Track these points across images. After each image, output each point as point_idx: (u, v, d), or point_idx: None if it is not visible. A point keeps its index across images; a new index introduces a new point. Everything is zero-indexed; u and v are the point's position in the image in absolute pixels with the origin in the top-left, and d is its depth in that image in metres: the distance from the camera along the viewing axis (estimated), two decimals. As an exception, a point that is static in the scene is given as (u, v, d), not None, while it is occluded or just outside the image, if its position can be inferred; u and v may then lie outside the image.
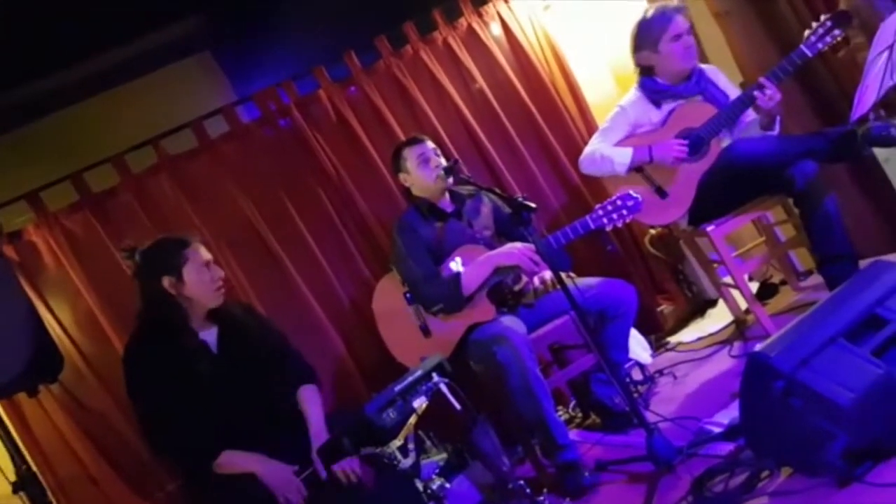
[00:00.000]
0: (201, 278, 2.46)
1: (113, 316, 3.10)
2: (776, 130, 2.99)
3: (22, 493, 2.16)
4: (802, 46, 2.80)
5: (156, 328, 2.44)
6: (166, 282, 2.43)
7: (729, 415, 2.47)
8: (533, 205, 2.46)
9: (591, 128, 3.77)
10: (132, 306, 2.55)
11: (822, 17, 2.78)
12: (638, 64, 3.14)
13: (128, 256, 2.51)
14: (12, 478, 2.18)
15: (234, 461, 2.33)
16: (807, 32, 2.80)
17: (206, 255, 2.51)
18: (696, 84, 3.08)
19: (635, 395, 3.10)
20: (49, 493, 2.30)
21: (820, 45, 2.79)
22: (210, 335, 2.51)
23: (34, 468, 2.64)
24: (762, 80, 2.82)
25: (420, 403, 2.14)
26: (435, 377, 2.19)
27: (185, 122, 3.41)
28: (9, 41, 4.37)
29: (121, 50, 5.82)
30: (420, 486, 2.13)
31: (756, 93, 2.83)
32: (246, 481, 2.29)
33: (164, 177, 3.31)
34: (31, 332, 2.45)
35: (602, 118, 3.54)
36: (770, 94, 2.80)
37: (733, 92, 3.11)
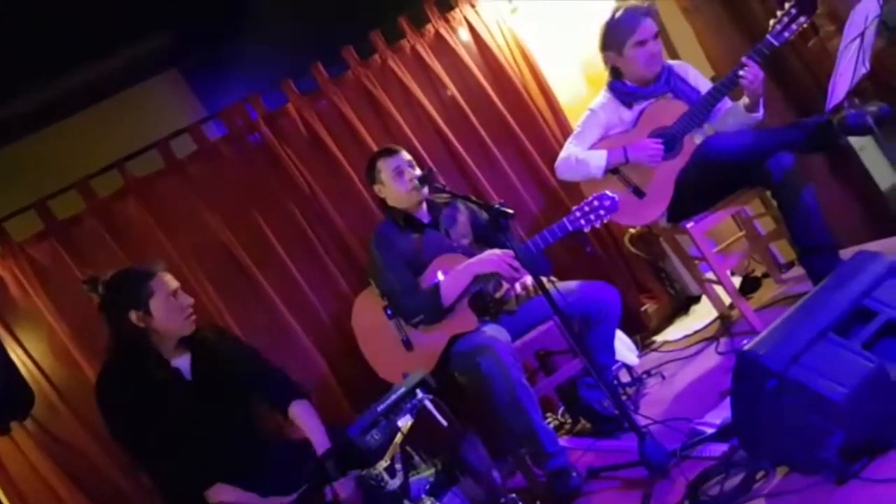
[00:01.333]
0: (169, 309, 2.38)
1: (85, 346, 2.99)
2: (760, 112, 2.96)
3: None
4: (769, 36, 2.78)
5: (126, 362, 2.36)
6: (134, 316, 2.35)
7: (720, 414, 2.43)
8: (510, 211, 2.41)
9: (564, 129, 3.74)
10: (104, 336, 2.46)
11: (787, 5, 2.76)
12: (605, 62, 3.12)
13: (90, 289, 2.41)
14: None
15: (225, 494, 2.25)
16: (772, 21, 2.79)
17: (172, 283, 2.42)
18: (665, 83, 3.06)
19: (624, 397, 3.06)
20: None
21: (786, 34, 2.77)
22: (183, 362, 2.44)
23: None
24: (744, 59, 2.79)
25: (405, 422, 2.09)
26: (419, 394, 2.13)
27: (153, 142, 3.32)
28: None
29: (85, 72, 5.72)
30: (410, 506, 2.07)
31: (740, 72, 2.79)
32: None
33: (132, 200, 3.22)
34: (-1, 369, 2.37)
35: (575, 119, 3.51)
36: (754, 72, 2.77)
37: (704, 85, 3.09)
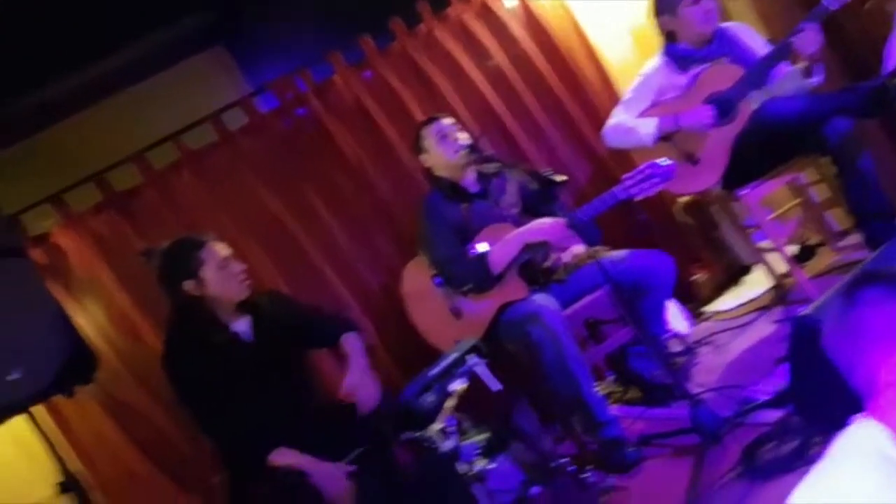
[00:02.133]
0: (221, 276, 2.45)
1: (145, 312, 3.10)
2: (818, 77, 2.88)
3: (66, 495, 2.18)
4: (824, 1, 2.71)
5: (187, 330, 2.45)
6: (188, 285, 2.44)
7: (774, 381, 2.42)
8: (561, 178, 2.41)
9: (613, 96, 3.69)
10: (162, 301, 2.55)
11: None
12: (660, 28, 3.07)
13: (147, 260, 2.51)
14: (56, 480, 2.19)
15: (286, 457, 2.32)
16: None
17: (222, 251, 2.49)
18: (719, 46, 3.00)
19: (675, 367, 3.05)
20: (92, 493, 2.33)
21: None
22: (242, 325, 2.52)
23: (77, 469, 2.68)
24: (802, 23, 2.72)
25: (457, 386, 2.12)
26: (470, 359, 2.16)
27: (206, 115, 3.39)
28: (21, 47, 4.39)
29: (135, 48, 5.85)
30: (462, 468, 2.11)
31: (793, 39, 2.73)
32: (295, 478, 2.27)
33: (186, 172, 3.30)
34: (63, 335, 2.46)
35: (622, 84, 3.46)
36: (812, 37, 2.71)
37: (762, 48, 3.02)
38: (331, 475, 2.28)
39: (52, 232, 3.19)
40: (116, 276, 3.13)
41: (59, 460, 2.22)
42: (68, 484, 2.17)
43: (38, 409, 2.41)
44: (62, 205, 3.19)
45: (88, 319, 3.13)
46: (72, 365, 2.39)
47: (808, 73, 2.87)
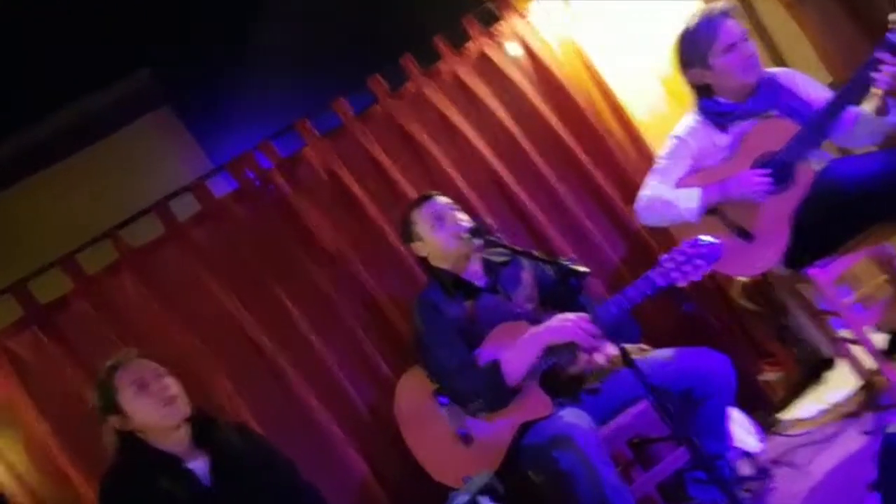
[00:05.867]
0: (140, 403, 2.54)
1: (73, 453, 3.10)
2: (894, 116, 2.94)
3: None
4: (890, 35, 2.80)
5: (129, 471, 2.50)
6: (114, 421, 2.55)
7: (867, 513, 2.42)
8: (584, 269, 2.46)
9: (643, 155, 3.80)
10: (96, 439, 2.60)
11: None
12: (691, 83, 3.17)
13: None
14: None
15: None
16: (892, 16, 2.81)
17: (139, 372, 2.59)
18: (766, 97, 3.08)
19: (747, 495, 3.04)
20: None
21: None
22: (200, 465, 2.56)
23: None
24: (877, 53, 2.76)
25: (468, 539, 2.13)
26: (483, 503, 2.18)
27: (149, 197, 3.48)
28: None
29: (62, 116, 6.02)
30: None
31: (869, 71, 2.77)
32: None
33: (127, 275, 3.36)
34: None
35: (654, 141, 3.54)
36: (892, 71, 2.74)
37: (821, 95, 3.09)
38: None
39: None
40: (40, 409, 3.15)
41: None
42: None
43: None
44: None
45: (3, 461, 3.14)
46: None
47: (883, 110, 2.91)
